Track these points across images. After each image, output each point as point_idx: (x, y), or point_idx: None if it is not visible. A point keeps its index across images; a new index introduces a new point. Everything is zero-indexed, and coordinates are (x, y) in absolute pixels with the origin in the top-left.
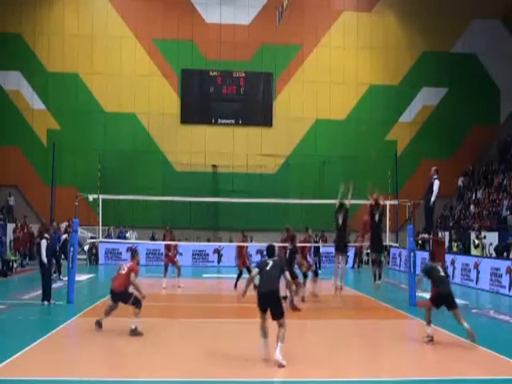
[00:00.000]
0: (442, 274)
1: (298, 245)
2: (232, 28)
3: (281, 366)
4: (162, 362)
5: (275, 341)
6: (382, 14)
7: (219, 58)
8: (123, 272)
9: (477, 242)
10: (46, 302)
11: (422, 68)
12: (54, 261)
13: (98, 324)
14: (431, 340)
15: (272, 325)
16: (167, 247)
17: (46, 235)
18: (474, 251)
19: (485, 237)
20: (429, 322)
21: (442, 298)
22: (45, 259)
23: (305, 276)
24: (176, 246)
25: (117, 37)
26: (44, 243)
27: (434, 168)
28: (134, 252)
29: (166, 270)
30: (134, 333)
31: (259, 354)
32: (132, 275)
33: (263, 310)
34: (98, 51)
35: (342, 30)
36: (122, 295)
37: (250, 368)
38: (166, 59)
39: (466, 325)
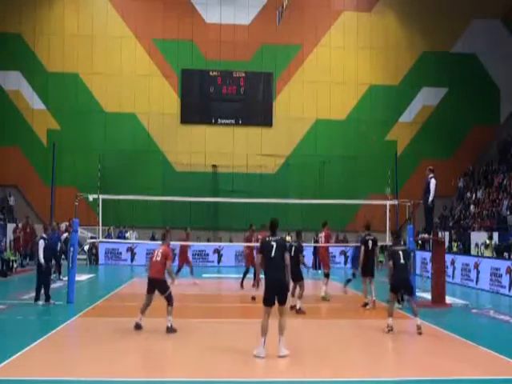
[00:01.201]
0: (402, 261)
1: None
2: (232, 28)
3: (285, 356)
4: (162, 362)
5: (277, 335)
6: (382, 13)
7: (219, 58)
8: (158, 259)
9: (488, 242)
10: (40, 302)
11: (422, 68)
12: (54, 261)
13: (138, 326)
14: (391, 330)
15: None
16: (183, 248)
17: (43, 235)
18: (485, 252)
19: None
20: (391, 314)
21: (399, 284)
22: (42, 260)
23: (326, 276)
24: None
25: (117, 37)
26: (42, 243)
27: (428, 167)
28: (165, 232)
29: (179, 270)
30: (170, 330)
31: (256, 354)
32: (168, 263)
33: (271, 304)
34: (98, 51)
35: (342, 30)
36: (160, 284)
37: (251, 368)
38: (166, 59)
39: (418, 320)
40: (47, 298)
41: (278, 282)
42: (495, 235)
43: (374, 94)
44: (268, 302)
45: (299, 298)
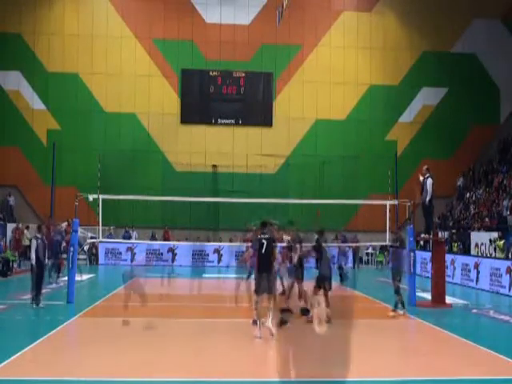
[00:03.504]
0: (328, 255)
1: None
2: (232, 28)
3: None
4: (161, 362)
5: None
6: (382, 14)
7: (219, 58)
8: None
9: (498, 242)
10: (41, 304)
11: (421, 68)
12: (53, 261)
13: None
14: (310, 321)
15: None
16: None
17: (37, 235)
18: (499, 253)
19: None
20: (313, 307)
21: (326, 278)
22: (33, 261)
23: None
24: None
25: (117, 37)
26: (34, 243)
27: (425, 167)
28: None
29: (250, 273)
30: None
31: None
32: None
33: (260, 293)
34: (98, 51)
35: (341, 30)
36: None
37: (251, 368)
38: (166, 59)
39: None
40: (33, 299)
41: (266, 274)
42: (493, 235)
43: (374, 94)
44: (259, 291)
45: (287, 298)
